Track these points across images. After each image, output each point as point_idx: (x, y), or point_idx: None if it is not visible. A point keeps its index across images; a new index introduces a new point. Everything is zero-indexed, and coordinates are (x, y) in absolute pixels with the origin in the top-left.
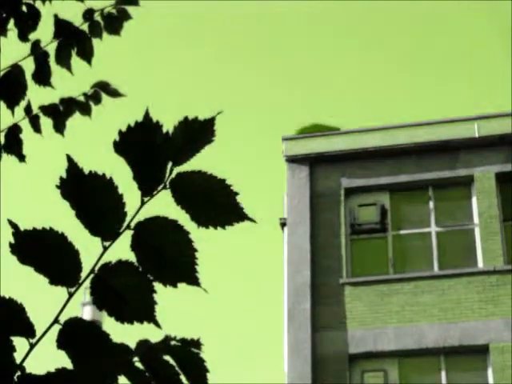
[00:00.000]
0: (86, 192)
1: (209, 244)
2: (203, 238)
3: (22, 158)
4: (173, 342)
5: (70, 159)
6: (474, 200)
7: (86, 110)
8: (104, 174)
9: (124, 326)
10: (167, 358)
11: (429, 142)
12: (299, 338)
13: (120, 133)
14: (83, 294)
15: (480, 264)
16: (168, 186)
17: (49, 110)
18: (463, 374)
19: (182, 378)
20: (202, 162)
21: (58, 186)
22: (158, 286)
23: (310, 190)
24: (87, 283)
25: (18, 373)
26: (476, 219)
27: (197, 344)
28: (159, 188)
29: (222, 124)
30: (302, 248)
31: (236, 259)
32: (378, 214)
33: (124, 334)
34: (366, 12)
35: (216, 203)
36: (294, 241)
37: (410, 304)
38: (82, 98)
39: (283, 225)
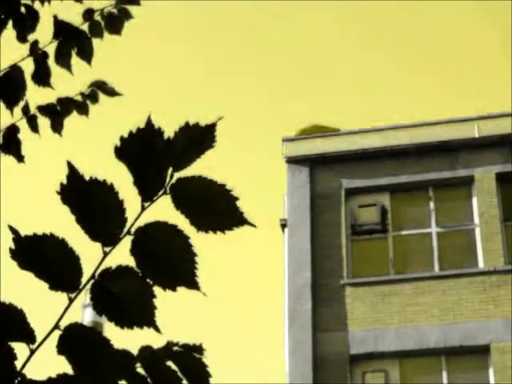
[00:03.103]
0: (86, 198)
1: (208, 245)
2: (203, 240)
3: (20, 158)
4: (175, 348)
5: (70, 165)
6: (475, 200)
7: (83, 110)
8: (105, 180)
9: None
10: (169, 363)
11: (429, 143)
12: (300, 339)
13: (121, 139)
14: (84, 295)
15: (481, 264)
16: (168, 192)
17: (46, 109)
18: (464, 375)
19: (185, 383)
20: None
21: (58, 192)
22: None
23: (310, 191)
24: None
25: (18, 379)
26: (476, 219)
27: (199, 349)
28: (159, 193)
29: (221, 125)
30: (303, 249)
31: (236, 260)
32: (379, 214)
33: (127, 336)
34: (366, 11)
35: (216, 208)
36: (294, 242)
37: (410, 305)
38: (79, 98)
39: (283, 226)
